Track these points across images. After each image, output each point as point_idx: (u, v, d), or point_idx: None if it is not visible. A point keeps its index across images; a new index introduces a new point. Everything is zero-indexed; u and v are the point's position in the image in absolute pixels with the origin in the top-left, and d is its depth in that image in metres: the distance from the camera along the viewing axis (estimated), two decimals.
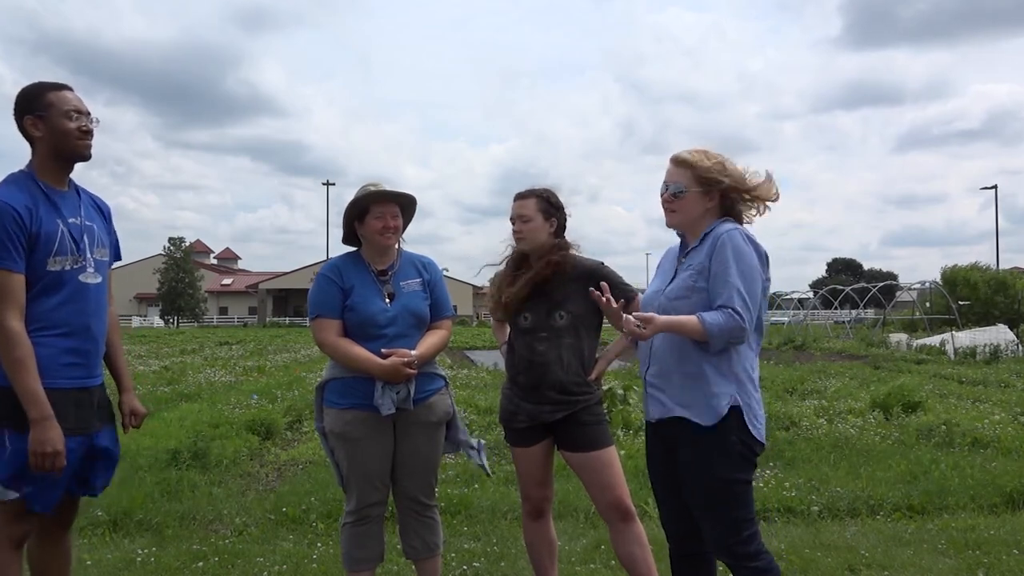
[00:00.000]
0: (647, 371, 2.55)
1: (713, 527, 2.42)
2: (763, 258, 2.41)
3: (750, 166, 2.54)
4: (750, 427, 2.40)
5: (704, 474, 2.40)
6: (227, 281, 73.54)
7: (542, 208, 3.09)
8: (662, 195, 2.54)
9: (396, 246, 3.07)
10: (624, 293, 2.91)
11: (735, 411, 2.38)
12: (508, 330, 3.26)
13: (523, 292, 3.03)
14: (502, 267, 3.24)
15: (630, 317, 2.31)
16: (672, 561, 2.70)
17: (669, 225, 2.58)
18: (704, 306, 2.37)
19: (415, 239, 3.14)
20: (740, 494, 2.42)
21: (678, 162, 2.50)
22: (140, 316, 65.92)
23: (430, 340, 3.01)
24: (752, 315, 2.34)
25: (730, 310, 2.30)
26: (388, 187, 3.00)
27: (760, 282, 2.38)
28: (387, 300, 2.96)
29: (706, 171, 2.46)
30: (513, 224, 3.11)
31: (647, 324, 2.29)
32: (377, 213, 2.95)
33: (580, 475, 3.11)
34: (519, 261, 3.16)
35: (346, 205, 3.03)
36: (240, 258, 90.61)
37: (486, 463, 3.24)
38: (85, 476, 2.62)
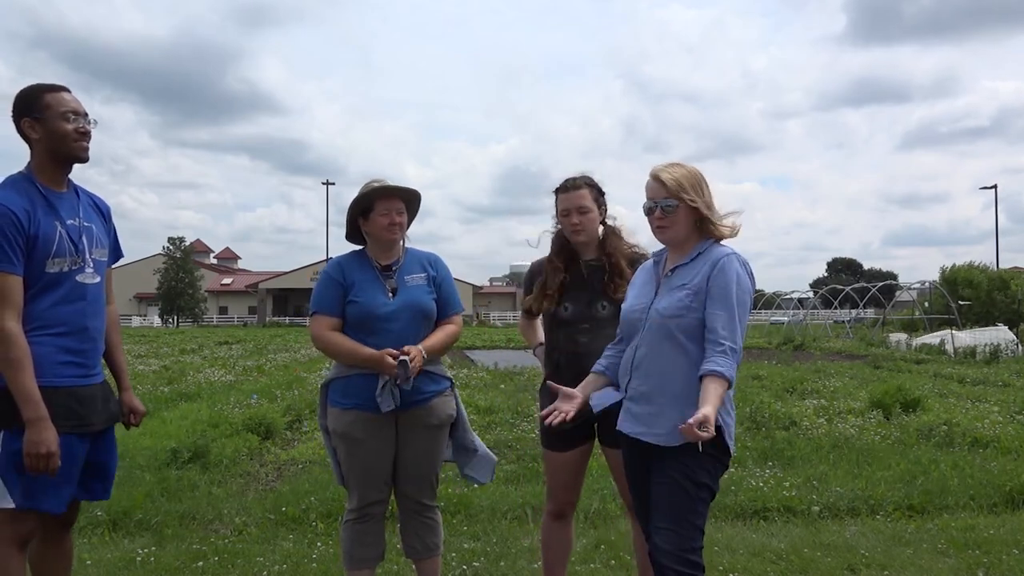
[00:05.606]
0: (627, 384, 2.54)
1: (674, 533, 2.38)
2: (753, 284, 2.48)
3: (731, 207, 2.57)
4: (726, 443, 2.46)
5: (677, 476, 2.40)
6: (227, 281, 73.44)
7: (595, 196, 3.03)
8: (650, 212, 2.53)
9: (401, 243, 3.07)
10: None
11: (716, 430, 2.40)
12: (540, 330, 3.19)
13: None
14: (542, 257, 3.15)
15: (692, 425, 2.17)
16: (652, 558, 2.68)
17: (662, 241, 2.58)
18: (696, 325, 2.40)
19: (416, 238, 3.13)
20: (704, 501, 2.43)
21: (663, 179, 2.50)
22: (140, 316, 65.94)
23: (437, 335, 3.00)
24: (741, 341, 2.39)
25: (728, 346, 2.33)
26: (392, 183, 3.00)
27: (749, 309, 2.45)
28: (390, 295, 2.96)
29: (690, 187, 2.49)
30: (568, 218, 3.00)
31: (705, 424, 2.18)
32: (383, 209, 2.95)
33: (616, 473, 3.01)
34: (565, 249, 3.07)
35: (350, 202, 3.03)
36: (240, 258, 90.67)
37: (479, 475, 3.17)
38: (92, 476, 2.63)
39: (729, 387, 2.33)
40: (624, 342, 2.64)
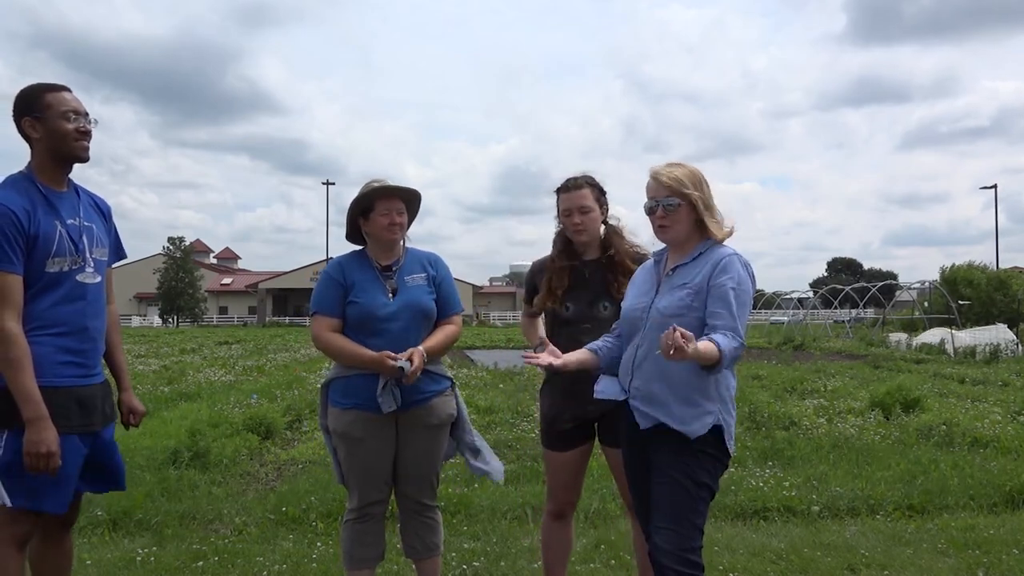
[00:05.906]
0: (630, 383, 2.54)
1: (674, 533, 2.38)
2: (753, 284, 2.49)
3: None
4: (726, 443, 2.48)
5: (677, 476, 2.41)
6: (227, 281, 73.41)
7: (596, 196, 3.04)
8: (652, 212, 2.53)
9: (402, 243, 3.07)
10: None
11: (716, 429, 2.44)
12: (541, 330, 3.19)
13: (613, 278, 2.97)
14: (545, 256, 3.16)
15: (675, 329, 2.10)
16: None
17: (663, 241, 2.59)
18: (697, 325, 2.39)
19: (416, 238, 3.13)
20: (704, 501, 2.44)
21: (665, 178, 2.50)
22: (140, 316, 65.95)
23: (437, 336, 2.99)
24: (744, 339, 2.40)
25: (732, 334, 2.33)
26: (392, 183, 3.00)
27: (749, 309, 2.46)
28: (390, 295, 2.95)
29: (692, 185, 2.50)
30: (569, 217, 3.01)
31: (689, 341, 2.11)
32: (383, 210, 2.95)
33: (616, 473, 3.03)
34: (567, 249, 3.08)
35: (350, 202, 3.02)
36: (240, 257, 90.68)
37: (490, 468, 3.14)
38: (97, 473, 2.63)
39: (720, 361, 2.26)
40: (625, 341, 2.64)
